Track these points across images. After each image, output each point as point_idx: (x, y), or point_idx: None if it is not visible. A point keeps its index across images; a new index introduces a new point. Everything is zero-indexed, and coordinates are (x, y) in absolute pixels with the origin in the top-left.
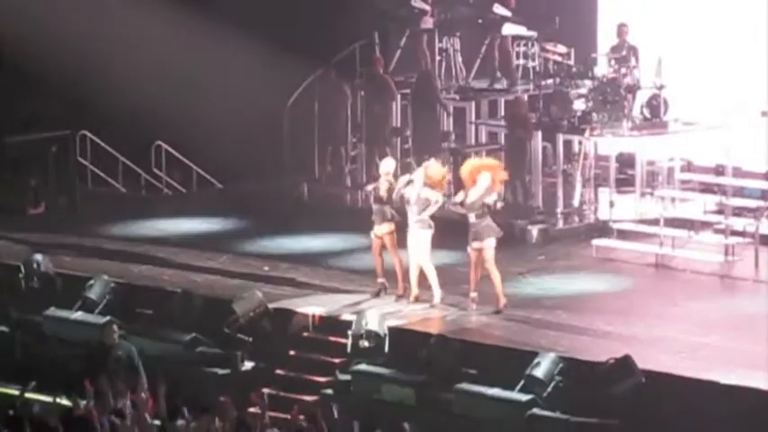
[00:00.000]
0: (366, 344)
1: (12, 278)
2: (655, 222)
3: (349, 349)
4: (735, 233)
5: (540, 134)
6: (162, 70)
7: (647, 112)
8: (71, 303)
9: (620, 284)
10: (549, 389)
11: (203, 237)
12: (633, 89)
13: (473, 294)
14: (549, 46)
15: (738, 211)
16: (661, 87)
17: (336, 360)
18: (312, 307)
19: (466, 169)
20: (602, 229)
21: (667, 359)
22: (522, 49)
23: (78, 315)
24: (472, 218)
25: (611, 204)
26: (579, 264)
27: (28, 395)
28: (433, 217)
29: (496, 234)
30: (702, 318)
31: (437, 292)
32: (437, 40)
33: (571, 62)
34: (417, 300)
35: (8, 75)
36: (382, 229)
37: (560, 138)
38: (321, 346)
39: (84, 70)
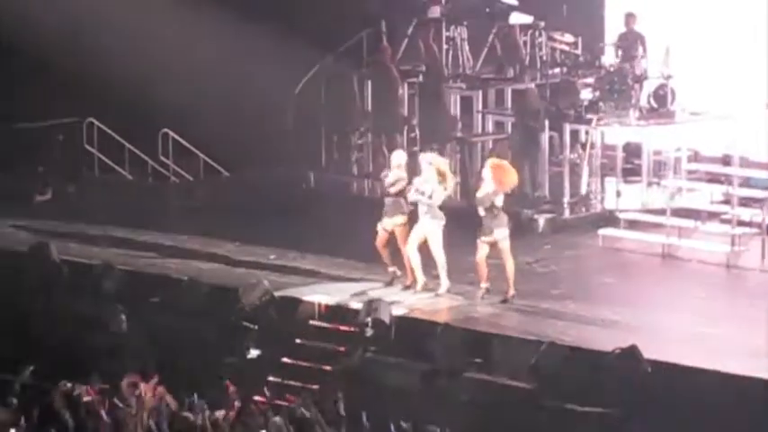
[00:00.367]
0: (372, 332)
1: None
2: (661, 212)
3: (355, 338)
4: (741, 223)
5: (546, 123)
6: (169, 58)
7: (654, 102)
8: (78, 291)
9: (627, 274)
10: (555, 378)
11: (210, 224)
12: (640, 79)
13: (485, 285)
14: (557, 35)
15: (745, 202)
16: (668, 77)
17: (342, 348)
18: (318, 295)
19: (491, 167)
20: (609, 218)
21: (674, 349)
22: (530, 38)
23: None
24: (482, 211)
25: (618, 194)
26: (586, 253)
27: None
28: (442, 207)
29: (506, 225)
30: (709, 308)
31: (444, 282)
32: (444, 30)
33: (578, 51)
34: (425, 288)
35: (16, 62)
36: (396, 221)
37: (567, 127)
38: (327, 334)
39: (92, 57)
